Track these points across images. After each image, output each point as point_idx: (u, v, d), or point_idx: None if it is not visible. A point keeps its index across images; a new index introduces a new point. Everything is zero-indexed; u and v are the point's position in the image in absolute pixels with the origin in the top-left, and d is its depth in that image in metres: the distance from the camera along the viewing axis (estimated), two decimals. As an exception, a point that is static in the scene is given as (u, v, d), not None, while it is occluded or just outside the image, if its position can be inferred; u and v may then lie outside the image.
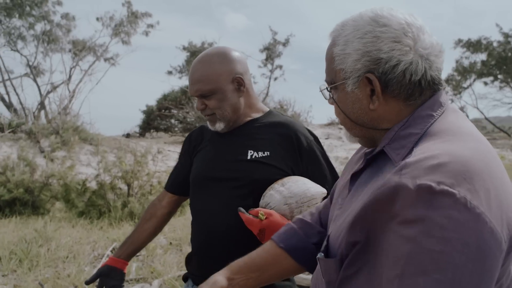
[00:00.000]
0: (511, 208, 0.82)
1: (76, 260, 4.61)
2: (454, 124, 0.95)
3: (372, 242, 0.87)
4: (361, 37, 0.98)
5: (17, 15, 17.69)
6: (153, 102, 22.85)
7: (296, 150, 1.83)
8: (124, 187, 7.18)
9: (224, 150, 1.85)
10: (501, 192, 0.83)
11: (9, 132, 11.49)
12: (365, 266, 0.89)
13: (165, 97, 22.29)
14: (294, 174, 1.81)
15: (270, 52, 23.34)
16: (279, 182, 1.72)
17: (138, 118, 22.72)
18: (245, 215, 1.62)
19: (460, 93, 27.64)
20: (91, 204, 6.84)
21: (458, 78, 26.68)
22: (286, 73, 40.61)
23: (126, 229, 6.05)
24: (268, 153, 1.80)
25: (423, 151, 0.87)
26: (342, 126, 1.17)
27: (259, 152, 1.80)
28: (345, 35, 1.02)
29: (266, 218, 1.59)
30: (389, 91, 0.98)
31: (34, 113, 15.97)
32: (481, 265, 0.76)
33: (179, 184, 2.01)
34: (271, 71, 23.38)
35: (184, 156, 2.01)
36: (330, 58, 1.06)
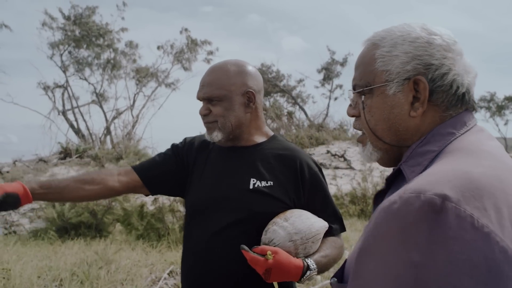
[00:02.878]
0: None
1: (133, 283, 4.71)
2: (474, 143, 0.90)
3: (377, 266, 0.79)
4: (413, 41, 0.96)
5: (84, 46, 18.64)
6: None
7: (299, 181, 1.76)
8: (183, 210, 7.29)
9: (225, 174, 1.77)
10: None
11: (77, 157, 12.03)
12: None
13: (225, 120, 22.63)
14: (295, 207, 1.74)
15: (328, 72, 23.27)
16: (282, 217, 1.64)
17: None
18: (250, 254, 1.52)
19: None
20: (150, 227, 6.99)
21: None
22: (347, 93, 40.19)
23: (183, 252, 6.12)
24: (272, 182, 1.73)
25: (432, 170, 0.82)
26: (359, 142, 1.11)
27: (262, 181, 1.73)
28: (392, 38, 0.99)
29: (273, 257, 1.51)
30: (433, 99, 0.95)
31: (100, 138, 16.70)
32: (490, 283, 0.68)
33: (152, 174, 1.86)
34: (331, 91, 23.27)
35: (172, 158, 1.89)
36: (370, 60, 1.01)
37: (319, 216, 1.71)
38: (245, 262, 1.54)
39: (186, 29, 20.77)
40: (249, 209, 1.69)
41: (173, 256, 5.81)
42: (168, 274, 5.09)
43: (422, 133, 0.96)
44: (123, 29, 19.69)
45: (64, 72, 18.38)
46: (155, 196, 7.31)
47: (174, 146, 1.93)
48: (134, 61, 20.14)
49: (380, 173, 10.93)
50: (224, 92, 1.72)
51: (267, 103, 23.34)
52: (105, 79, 19.66)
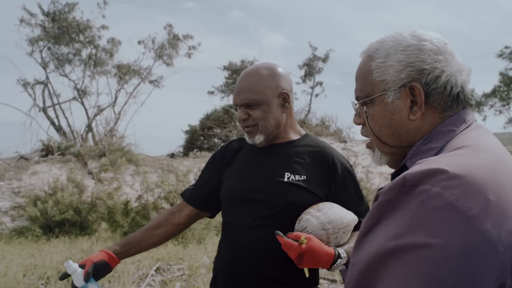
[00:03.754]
0: None
1: (120, 280, 4.70)
2: (473, 139, 0.96)
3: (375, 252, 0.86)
4: (404, 49, 1.02)
5: (64, 42, 18.39)
6: (196, 122, 23.18)
7: (331, 177, 1.85)
8: (168, 207, 7.29)
9: (260, 168, 1.86)
10: (509, 199, 0.81)
11: (59, 155, 11.90)
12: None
13: (207, 117, 22.56)
14: (327, 200, 1.82)
15: (310, 68, 23.31)
16: (315, 208, 1.73)
17: (182, 138, 23.09)
18: (284, 239, 1.60)
19: (508, 104, 26.78)
20: (135, 224, 6.98)
21: (506, 89, 25.86)
22: (328, 89, 40.46)
23: (169, 248, 6.13)
24: (305, 177, 1.81)
25: (430, 160, 0.88)
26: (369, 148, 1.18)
27: (296, 175, 1.81)
28: (385, 49, 1.05)
29: (306, 242, 1.58)
30: (430, 101, 1.01)
31: (82, 135, 16.51)
32: (463, 264, 0.74)
33: (203, 199, 1.99)
34: (312, 88, 23.33)
35: (211, 171, 2.00)
36: (367, 72, 1.08)
37: (350, 211, 1.79)
38: (279, 248, 1.62)
39: (170, 25, 20.64)
40: (283, 200, 1.78)
41: (160, 253, 5.82)
42: (155, 270, 5.10)
43: (424, 134, 1.03)
44: (103, 27, 19.48)
45: (44, 68, 18.07)
46: (139, 193, 7.31)
47: (212, 157, 2.04)
48: (113, 54, 19.93)
49: (362, 169, 11.05)
50: (261, 96, 1.81)
51: (250, 100, 23.28)
52: (86, 76, 19.43)
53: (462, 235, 0.75)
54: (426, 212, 0.78)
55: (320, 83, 23.73)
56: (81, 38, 18.86)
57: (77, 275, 1.77)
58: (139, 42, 20.24)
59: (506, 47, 25.30)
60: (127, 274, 4.88)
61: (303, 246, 1.57)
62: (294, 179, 1.80)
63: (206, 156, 21.37)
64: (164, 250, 6.04)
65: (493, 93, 26.94)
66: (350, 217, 1.74)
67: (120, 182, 9.25)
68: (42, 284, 4.62)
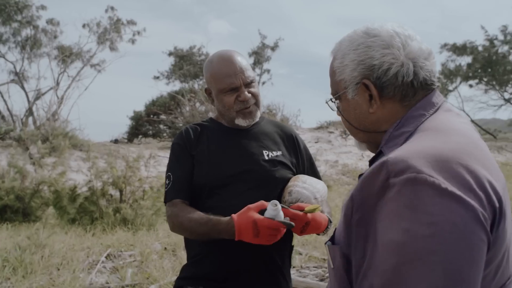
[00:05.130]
0: (494, 189, 0.90)
1: (70, 267, 4.58)
2: (443, 122, 1.04)
3: (365, 231, 0.94)
4: (355, 48, 1.11)
5: (0, 21, 17.53)
6: (141, 108, 22.77)
7: (297, 150, 1.99)
8: (116, 193, 7.14)
9: (238, 150, 1.88)
10: (481, 175, 0.90)
11: (-3, 139, 11.39)
12: (363, 254, 0.96)
13: (153, 103, 22.23)
14: (297, 173, 1.94)
15: (259, 57, 23.38)
16: (299, 180, 1.83)
17: (126, 124, 22.62)
18: (290, 210, 1.67)
19: (446, 95, 27.90)
20: (83, 211, 6.79)
21: (444, 81, 26.91)
22: (274, 77, 40.99)
23: (119, 235, 6.02)
24: (280, 152, 1.91)
25: (406, 148, 0.96)
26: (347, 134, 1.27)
27: (273, 152, 1.90)
28: (342, 49, 1.14)
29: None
30: (385, 93, 1.08)
31: (22, 119, 15.84)
32: (470, 241, 0.83)
33: (189, 193, 1.88)
34: (259, 75, 23.41)
35: (183, 159, 1.90)
36: (332, 73, 1.19)
37: None
38: None
39: (112, 8, 20.07)
40: (270, 176, 1.84)
41: (109, 239, 5.71)
42: (106, 257, 4.99)
43: (390, 122, 1.11)
44: (42, 7, 18.69)
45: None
46: (87, 179, 7.11)
47: (177, 145, 1.92)
48: (55, 37, 19.18)
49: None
50: (253, 74, 1.91)
51: (196, 86, 23.13)
52: (25, 58, 18.62)
53: (451, 211, 0.84)
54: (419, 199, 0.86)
55: (268, 71, 23.89)
56: (19, 17, 18.02)
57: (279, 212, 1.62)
58: (83, 26, 19.61)
59: (445, 44, 26.28)
60: (77, 261, 4.76)
61: (309, 215, 1.68)
62: (272, 155, 1.89)
63: (152, 142, 21.05)
64: (113, 236, 5.93)
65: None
66: (325, 187, 1.91)
67: (65, 167, 8.95)
68: (-13, 272, 4.43)
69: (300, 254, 5.19)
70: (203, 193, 1.85)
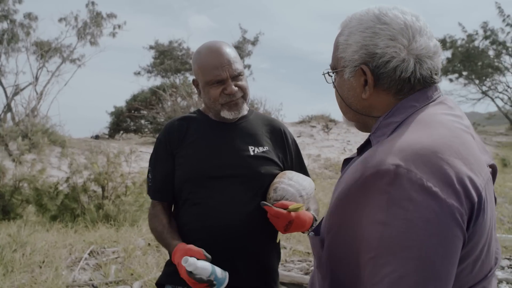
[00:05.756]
0: (473, 184, 0.90)
1: (53, 265, 4.51)
2: (429, 114, 1.04)
3: (346, 225, 0.96)
4: (363, 31, 1.08)
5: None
6: (122, 103, 22.54)
7: (285, 146, 1.95)
8: (98, 189, 7.06)
9: (224, 145, 1.86)
10: (461, 170, 0.90)
11: (-25, 136, 11.17)
12: (343, 247, 0.98)
13: (134, 98, 22.02)
14: (285, 169, 1.92)
15: (240, 51, 23.33)
16: (284, 177, 1.80)
17: (107, 119, 22.38)
18: (273, 208, 1.67)
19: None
20: (64, 208, 6.70)
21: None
22: (256, 72, 41.04)
23: (102, 231, 5.95)
24: (267, 148, 1.88)
25: (389, 141, 0.97)
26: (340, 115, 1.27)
27: (259, 147, 1.87)
28: (350, 27, 1.11)
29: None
30: (380, 84, 1.07)
31: (0, 115, 15.58)
32: (444, 237, 0.84)
33: (170, 193, 1.90)
34: (241, 70, 23.40)
35: (165, 158, 1.89)
36: (335, 46, 1.16)
37: None
38: (259, 220, 1.72)
39: (93, 2, 19.81)
40: (254, 172, 1.82)
41: (92, 236, 5.64)
42: (89, 254, 4.94)
43: (382, 111, 1.10)
44: (19, 0, 18.36)
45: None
46: (68, 176, 7.01)
47: (159, 142, 1.93)
48: (34, 31, 18.86)
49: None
50: (242, 66, 1.86)
51: (177, 81, 23.00)
52: (2, 53, 18.29)
53: (425, 207, 0.85)
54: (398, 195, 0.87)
55: (249, 66, 23.86)
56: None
57: (199, 267, 1.57)
58: (60, 20, 19.31)
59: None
60: (59, 259, 4.70)
61: (292, 213, 1.66)
62: (258, 151, 1.86)
63: (133, 138, 20.88)
64: (96, 233, 5.86)
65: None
66: (313, 183, 1.89)
67: (45, 164, 8.82)
68: (-34, 271, 4.35)
69: (285, 248, 5.21)
70: (187, 187, 1.84)
